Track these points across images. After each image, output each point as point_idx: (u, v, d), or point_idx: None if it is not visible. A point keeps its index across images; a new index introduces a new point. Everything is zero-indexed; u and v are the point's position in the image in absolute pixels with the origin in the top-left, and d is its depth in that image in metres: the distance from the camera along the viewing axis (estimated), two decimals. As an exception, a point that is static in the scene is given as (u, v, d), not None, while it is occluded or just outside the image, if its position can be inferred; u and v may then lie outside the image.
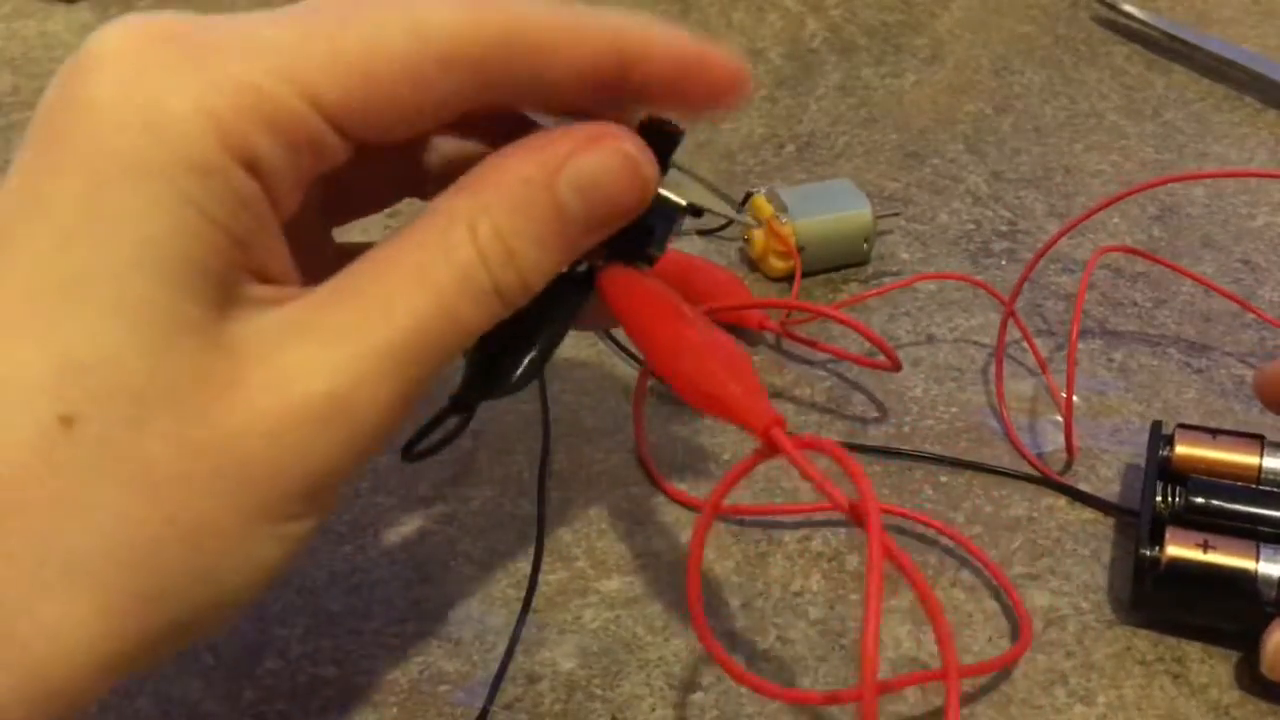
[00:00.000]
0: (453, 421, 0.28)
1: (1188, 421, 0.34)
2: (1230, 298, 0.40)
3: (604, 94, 0.23)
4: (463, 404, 0.28)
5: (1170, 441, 0.33)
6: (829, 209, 0.41)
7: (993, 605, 0.31)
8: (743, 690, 0.29)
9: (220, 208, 0.20)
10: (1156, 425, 0.33)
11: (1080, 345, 0.39)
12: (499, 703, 0.29)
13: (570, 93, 0.23)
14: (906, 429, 0.36)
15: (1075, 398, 0.36)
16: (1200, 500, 0.31)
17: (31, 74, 0.53)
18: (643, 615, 0.31)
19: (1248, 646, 0.29)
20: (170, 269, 0.20)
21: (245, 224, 0.21)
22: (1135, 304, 0.41)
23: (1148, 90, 0.54)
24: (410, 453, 0.28)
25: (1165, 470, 0.32)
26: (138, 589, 0.20)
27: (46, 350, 0.19)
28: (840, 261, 0.42)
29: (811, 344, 0.38)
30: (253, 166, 0.20)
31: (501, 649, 0.30)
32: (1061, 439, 0.35)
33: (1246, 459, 0.32)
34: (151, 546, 0.20)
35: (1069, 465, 0.35)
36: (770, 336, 0.39)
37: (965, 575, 0.32)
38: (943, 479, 0.35)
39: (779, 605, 0.31)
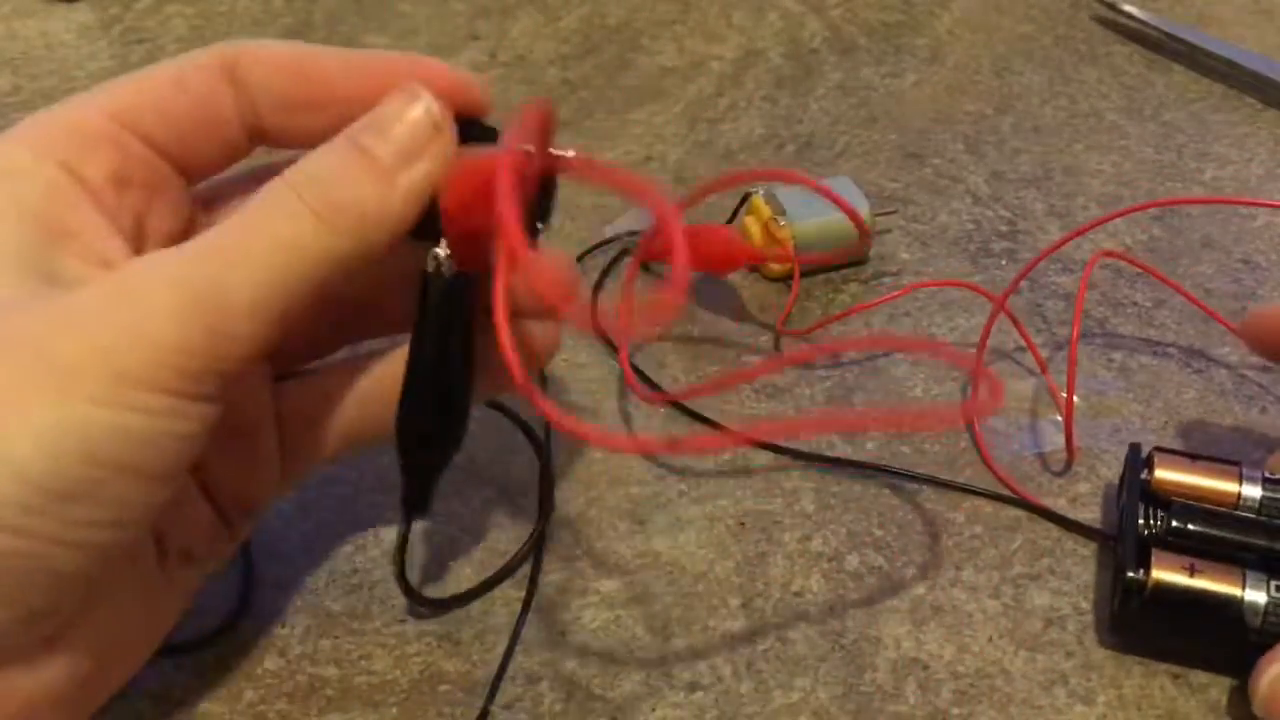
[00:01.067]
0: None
1: (1187, 422, 0.34)
2: (1216, 317, 0.39)
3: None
4: (413, 500, 0.29)
5: (1149, 464, 0.32)
6: (827, 210, 0.41)
7: (993, 605, 0.31)
8: (743, 690, 0.29)
9: (34, 196, 0.24)
10: (1135, 448, 0.33)
11: (1080, 345, 0.39)
12: (499, 703, 0.29)
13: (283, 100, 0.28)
14: (906, 429, 0.36)
15: (1075, 398, 0.36)
16: (1183, 525, 0.30)
17: (31, 74, 0.53)
18: (643, 615, 0.31)
19: (1230, 673, 0.29)
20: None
21: (57, 207, 0.24)
22: (1135, 304, 0.41)
23: (1148, 90, 0.54)
24: (404, 580, 0.30)
25: (1144, 493, 0.31)
26: None
27: None
28: (840, 261, 0.42)
29: (809, 359, 0.38)
30: (66, 166, 0.25)
31: (501, 649, 0.30)
32: (1061, 439, 0.35)
33: (1225, 486, 0.31)
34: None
35: (1069, 465, 0.35)
36: (769, 337, 0.39)
37: (966, 575, 0.32)
38: (942, 476, 0.35)
39: (779, 605, 0.31)
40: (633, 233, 0.43)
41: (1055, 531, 0.33)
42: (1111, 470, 0.35)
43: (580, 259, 0.42)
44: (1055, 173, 0.48)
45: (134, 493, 0.22)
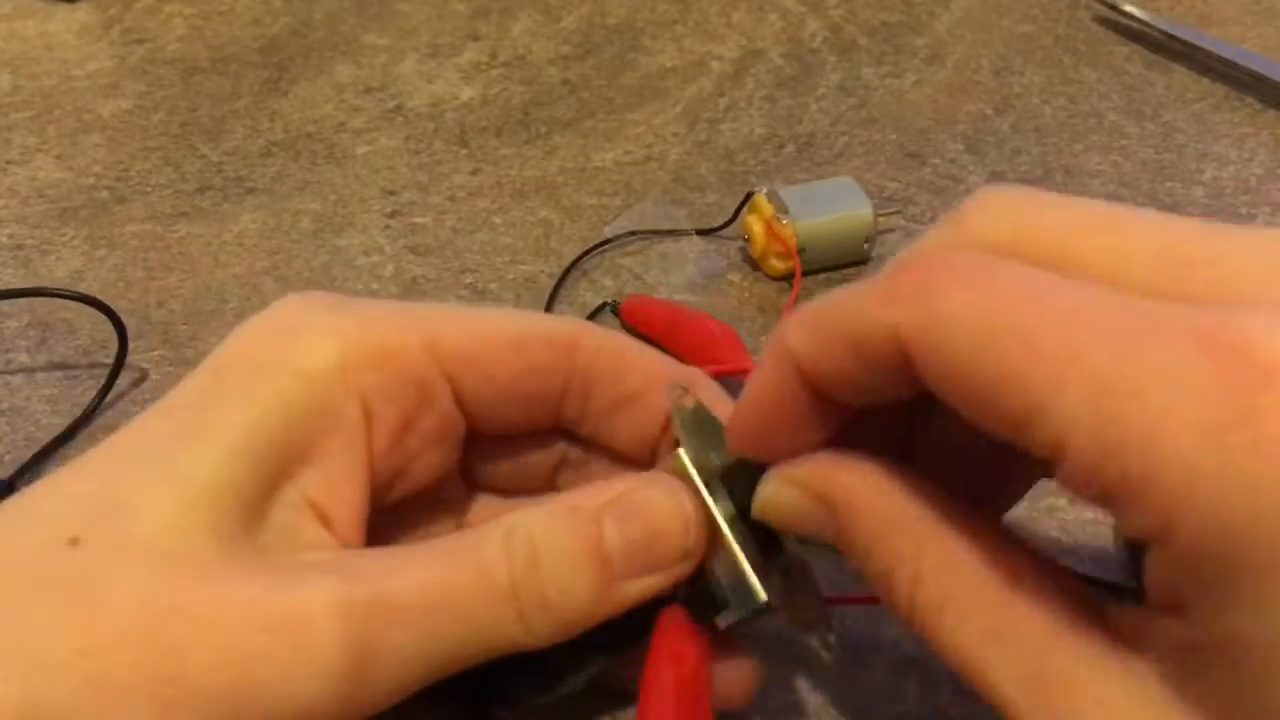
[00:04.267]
0: None
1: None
2: None
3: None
4: (467, 694, 0.26)
5: None
6: (830, 209, 0.41)
7: (993, 605, 0.31)
8: (743, 690, 0.29)
9: (309, 416, 0.23)
10: None
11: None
12: (499, 703, 0.29)
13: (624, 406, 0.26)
14: (907, 429, 0.36)
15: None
16: None
17: (31, 74, 0.53)
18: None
19: None
20: (226, 453, 0.22)
21: (326, 439, 0.23)
22: (1135, 304, 0.41)
23: (1148, 90, 0.54)
24: None
25: None
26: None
27: (94, 487, 0.22)
28: (841, 261, 0.42)
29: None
30: (364, 398, 0.23)
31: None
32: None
33: None
34: (57, 670, 0.20)
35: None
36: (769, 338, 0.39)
37: (966, 575, 0.32)
38: (943, 479, 0.35)
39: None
40: (632, 232, 0.43)
41: (1055, 531, 0.33)
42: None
43: (580, 259, 0.42)
44: (1055, 173, 0.48)
45: None
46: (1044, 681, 0.19)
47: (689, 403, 0.25)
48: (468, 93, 0.53)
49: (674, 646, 0.24)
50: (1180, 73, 0.55)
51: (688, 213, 0.45)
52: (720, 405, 0.26)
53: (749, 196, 0.42)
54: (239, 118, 0.52)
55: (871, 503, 0.21)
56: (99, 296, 0.38)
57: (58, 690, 0.20)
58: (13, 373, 0.39)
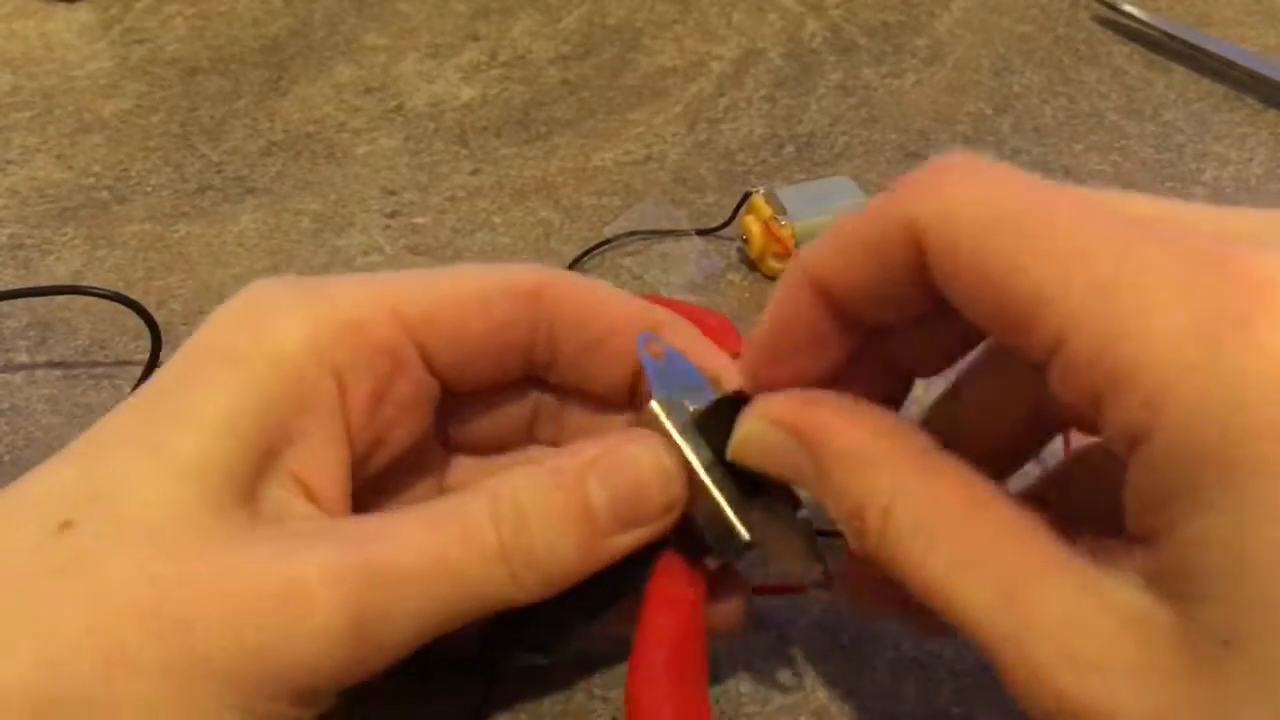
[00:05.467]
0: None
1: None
2: None
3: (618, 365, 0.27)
4: (476, 663, 0.27)
5: None
6: (827, 209, 0.41)
7: (993, 605, 0.31)
8: (743, 690, 0.29)
9: (285, 397, 0.23)
10: None
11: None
12: (499, 702, 0.29)
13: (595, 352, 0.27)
14: (906, 429, 0.36)
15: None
16: None
17: (31, 74, 0.53)
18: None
19: None
20: (210, 434, 0.22)
21: (303, 417, 0.23)
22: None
23: (1148, 90, 0.54)
24: None
25: None
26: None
27: (80, 472, 0.22)
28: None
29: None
30: (337, 373, 0.24)
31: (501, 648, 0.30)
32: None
33: None
34: (68, 650, 0.20)
35: (1069, 465, 0.35)
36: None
37: (965, 575, 0.32)
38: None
39: (779, 605, 0.31)
40: (632, 233, 0.43)
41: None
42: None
43: (580, 259, 0.42)
44: (1055, 173, 0.48)
45: None
46: (1013, 605, 0.19)
47: (658, 350, 0.26)
48: (468, 93, 0.53)
49: (669, 590, 0.25)
50: (1180, 73, 0.55)
51: (687, 213, 0.45)
52: (694, 345, 0.27)
53: (747, 197, 0.42)
54: (239, 118, 0.52)
55: (848, 436, 0.22)
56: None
57: (73, 668, 0.20)
58: (13, 372, 0.39)
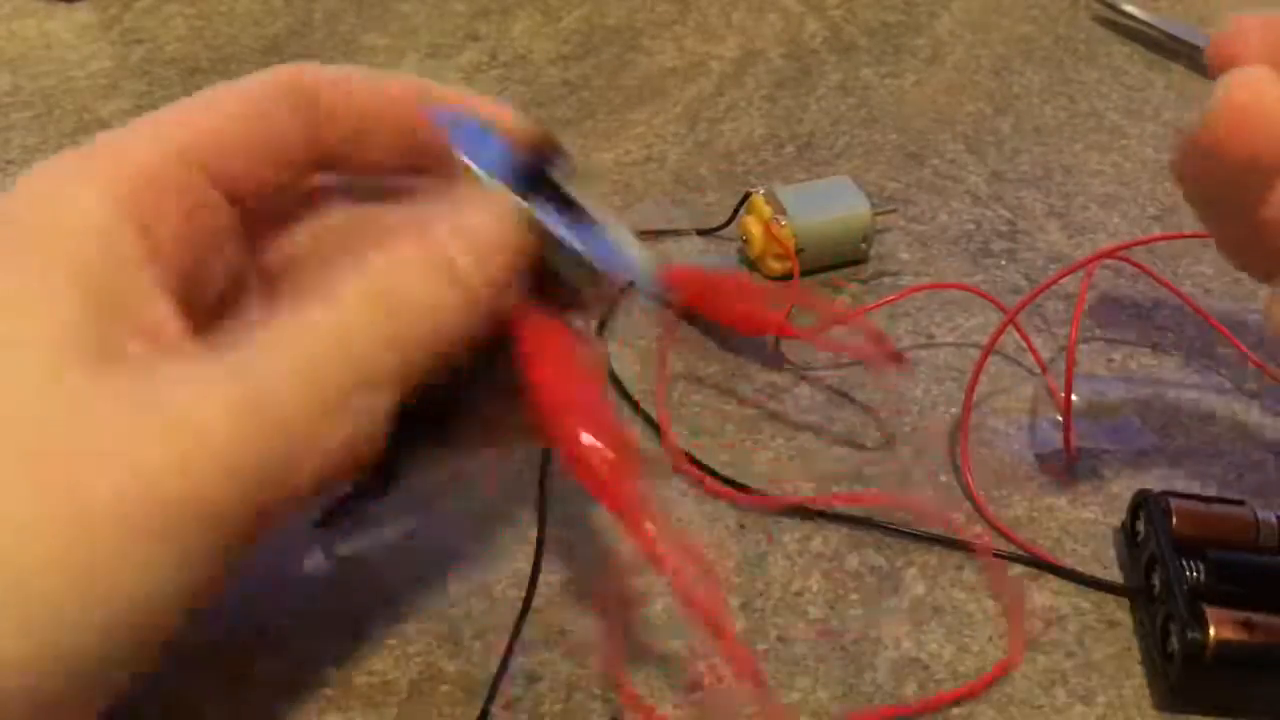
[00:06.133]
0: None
1: (1187, 422, 0.33)
2: (1211, 321, 0.39)
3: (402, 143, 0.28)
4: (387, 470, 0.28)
5: (1167, 512, 0.31)
6: (828, 210, 0.41)
7: (993, 605, 0.31)
8: (743, 690, 0.29)
9: (97, 260, 0.22)
10: (1144, 494, 0.32)
11: (1080, 345, 0.39)
12: (499, 703, 0.29)
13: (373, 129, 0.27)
14: (907, 429, 0.36)
15: (1074, 397, 0.36)
16: (1228, 574, 0.29)
17: (31, 74, 0.53)
18: (643, 615, 0.31)
19: None
20: (40, 312, 0.21)
21: (119, 274, 0.23)
22: (1135, 304, 0.41)
23: (1148, 90, 0.54)
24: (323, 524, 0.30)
25: (1174, 546, 0.30)
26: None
27: None
28: (839, 261, 0.42)
29: (812, 337, 0.38)
30: (141, 225, 0.23)
31: (501, 649, 0.30)
32: (1061, 439, 0.35)
33: (1241, 521, 0.31)
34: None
35: (1069, 466, 0.35)
36: (769, 338, 0.39)
37: (966, 575, 0.32)
38: (943, 478, 0.35)
39: (779, 605, 0.31)
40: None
41: (1056, 531, 0.33)
42: (1111, 471, 0.35)
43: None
44: (1055, 173, 0.48)
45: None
46: None
47: (455, 119, 0.27)
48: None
49: (539, 337, 0.26)
50: (1180, 73, 0.55)
51: (687, 213, 0.45)
52: (470, 102, 0.29)
53: (747, 197, 0.42)
54: (239, 118, 0.51)
55: None
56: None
57: (44, 539, 0.20)
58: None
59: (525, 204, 0.26)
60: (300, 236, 0.29)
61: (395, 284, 0.24)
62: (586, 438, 0.25)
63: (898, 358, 0.35)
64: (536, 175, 0.27)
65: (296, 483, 0.22)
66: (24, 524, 0.20)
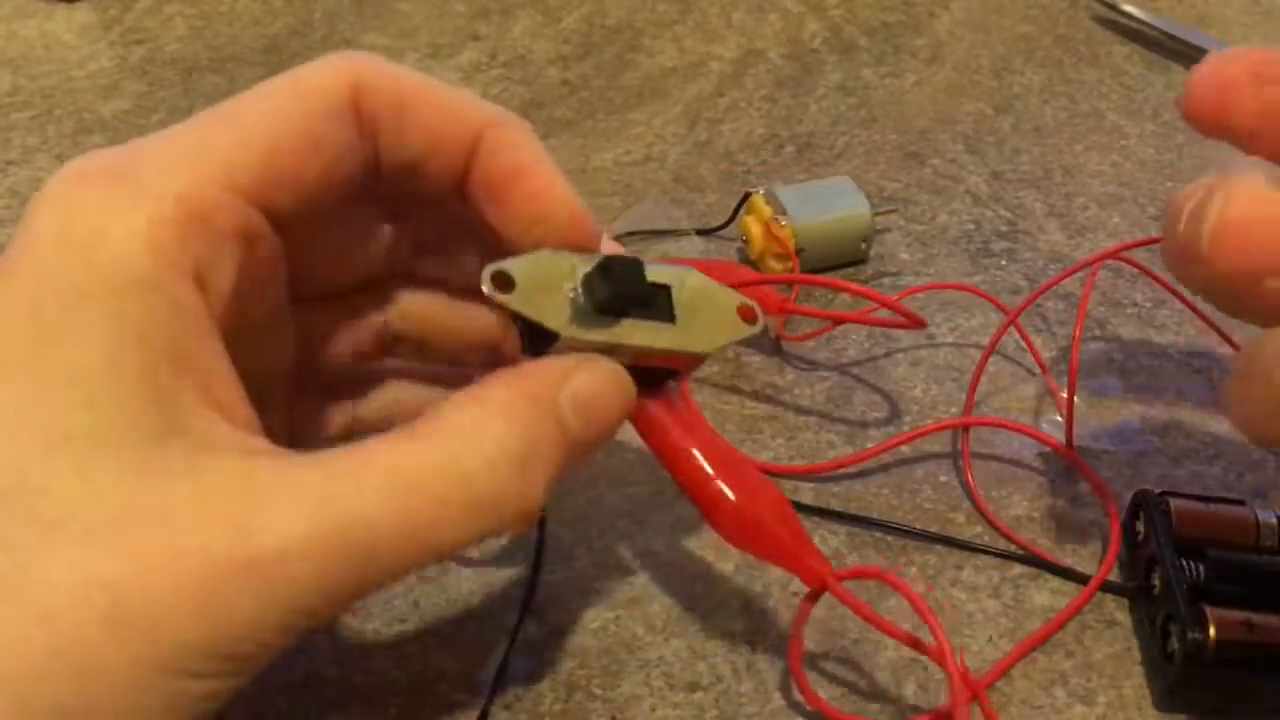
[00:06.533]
0: None
1: (1187, 422, 0.33)
2: (1210, 323, 0.39)
3: (458, 167, 0.25)
4: None
5: (1166, 512, 0.31)
6: (828, 210, 0.41)
7: (993, 605, 0.31)
8: (742, 690, 0.29)
9: (158, 322, 0.20)
10: (1143, 494, 0.32)
11: (1080, 345, 0.39)
12: (499, 703, 0.29)
13: (432, 156, 0.25)
14: (907, 429, 0.36)
15: (1075, 398, 0.36)
16: (1222, 575, 0.29)
17: (31, 74, 0.53)
18: (643, 615, 0.31)
19: None
20: (103, 393, 0.20)
21: (185, 337, 0.21)
22: (1135, 304, 0.41)
23: (1148, 90, 0.54)
24: None
25: (1175, 545, 0.30)
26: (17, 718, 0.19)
27: None
28: (839, 261, 0.42)
29: (817, 314, 0.38)
30: (196, 275, 0.21)
31: (501, 649, 0.30)
32: (1061, 438, 0.35)
33: (1242, 521, 0.31)
34: (36, 677, 0.19)
35: (1069, 466, 0.35)
36: (770, 336, 0.39)
37: (966, 575, 0.32)
38: (943, 479, 0.35)
39: (779, 605, 0.31)
40: (632, 233, 0.43)
41: (1056, 531, 0.33)
42: (1111, 471, 0.35)
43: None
44: (1055, 173, 0.48)
45: None
46: None
47: (511, 271, 0.24)
48: (468, 93, 0.53)
49: (653, 419, 0.26)
50: (1180, 73, 0.55)
51: (687, 213, 0.45)
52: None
53: (747, 197, 0.42)
54: (239, 118, 0.51)
55: None
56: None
57: (47, 687, 0.19)
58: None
59: (615, 339, 0.24)
60: (364, 411, 0.29)
61: (517, 449, 0.22)
62: (733, 493, 0.26)
63: (916, 320, 0.35)
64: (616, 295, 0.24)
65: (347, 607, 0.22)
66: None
